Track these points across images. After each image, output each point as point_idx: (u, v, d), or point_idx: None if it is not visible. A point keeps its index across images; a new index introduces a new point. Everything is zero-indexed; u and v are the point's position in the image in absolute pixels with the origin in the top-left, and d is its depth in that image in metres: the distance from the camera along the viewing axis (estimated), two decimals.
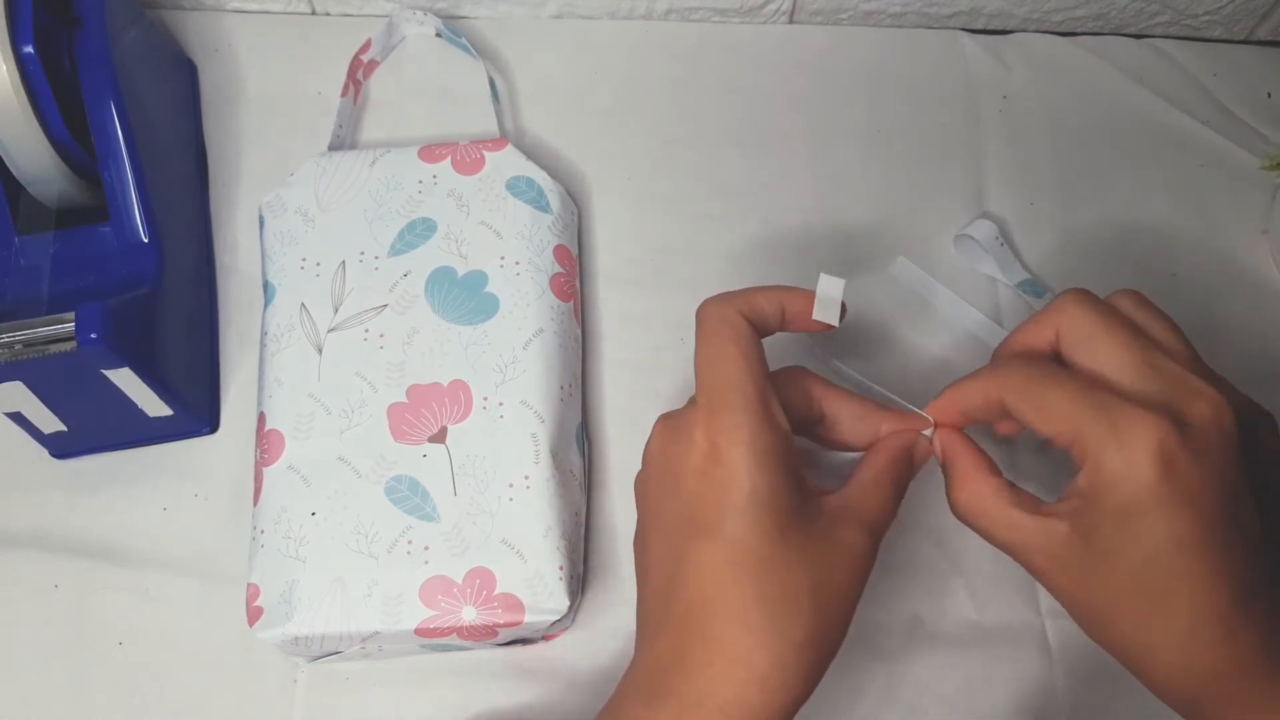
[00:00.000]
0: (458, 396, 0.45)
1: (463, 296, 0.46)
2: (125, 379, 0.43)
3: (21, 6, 0.43)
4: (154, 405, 0.46)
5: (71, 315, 0.41)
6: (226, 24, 0.57)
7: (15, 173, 0.45)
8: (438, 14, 0.56)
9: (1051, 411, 0.33)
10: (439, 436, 0.44)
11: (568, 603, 0.42)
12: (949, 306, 0.52)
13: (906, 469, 0.37)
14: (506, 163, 0.49)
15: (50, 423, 0.45)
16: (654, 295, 0.52)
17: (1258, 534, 0.32)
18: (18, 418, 0.44)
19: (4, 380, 0.41)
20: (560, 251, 0.49)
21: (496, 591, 0.42)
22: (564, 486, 0.44)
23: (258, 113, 0.55)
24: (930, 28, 0.60)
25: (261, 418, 0.45)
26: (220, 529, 0.47)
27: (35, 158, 0.45)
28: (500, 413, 0.44)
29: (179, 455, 0.49)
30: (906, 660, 0.46)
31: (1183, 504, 0.31)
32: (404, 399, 0.45)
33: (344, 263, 0.47)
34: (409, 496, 0.43)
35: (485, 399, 0.45)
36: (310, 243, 0.48)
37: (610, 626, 0.46)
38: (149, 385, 0.44)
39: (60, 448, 0.48)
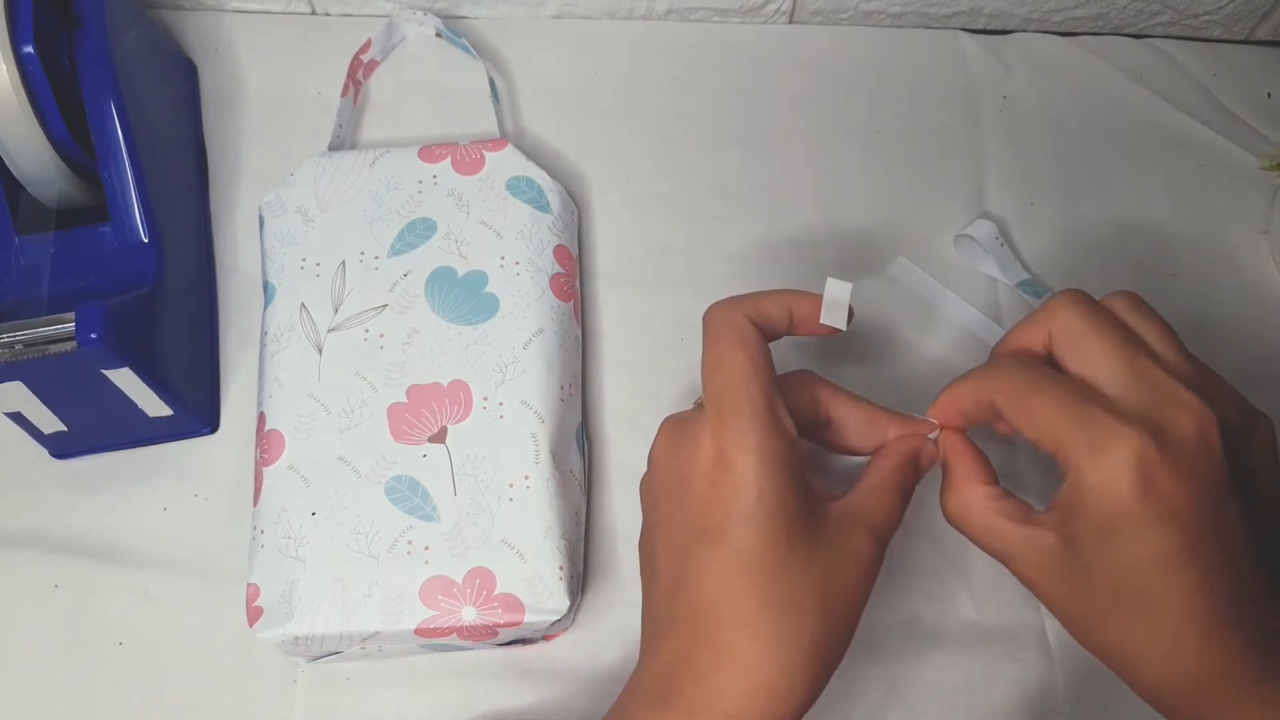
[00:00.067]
0: (458, 396, 0.45)
1: (463, 296, 0.46)
2: (125, 379, 0.43)
3: (21, 6, 0.43)
4: (154, 405, 0.46)
5: (71, 315, 0.41)
6: (226, 24, 0.57)
7: (15, 173, 0.45)
8: (438, 14, 0.56)
9: (1037, 419, 0.33)
10: (439, 436, 0.44)
11: (568, 603, 0.42)
12: (949, 306, 0.53)
13: (913, 474, 0.37)
14: (506, 163, 0.49)
15: (50, 423, 0.45)
16: (654, 295, 0.52)
17: (1246, 544, 0.32)
18: (18, 418, 0.44)
19: (4, 380, 0.41)
20: (560, 251, 0.49)
21: (496, 591, 0.42)
22: (564, 486, 0.44)
23: (258, 113, 0.55)
24: (930, 28, 0.60)
25: (261, 418, 0.45)
26: (220, 529, 0.47)
27: (35, 158, 0.45)
28: (500, 413, 0.44)
29: (179, 455, 0.49)
30: (906, 660, 0.46)
31: (1164, 519, 0.31)
32: (404, 399, 0.45)
33: (344, 263, 0.47)
34: (409, 496, 0.43)
35: (485, 399, 0.45)
36: (310, 243, 0.48)
37: (610, 626, 0.46)
38: (149, 385, 0.44)
39: (60, 448, 0.48)
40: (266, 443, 0.45)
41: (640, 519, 0.38)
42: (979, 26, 0.60)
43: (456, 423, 0.44)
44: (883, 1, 0.58)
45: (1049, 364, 0.35)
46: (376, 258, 0.47)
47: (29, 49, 0.43)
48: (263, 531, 0.43)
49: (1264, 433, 0.35)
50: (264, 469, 0.44)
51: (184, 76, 0.55)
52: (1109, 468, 0.31)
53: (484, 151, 0.50)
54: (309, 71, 0.56)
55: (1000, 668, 0.46)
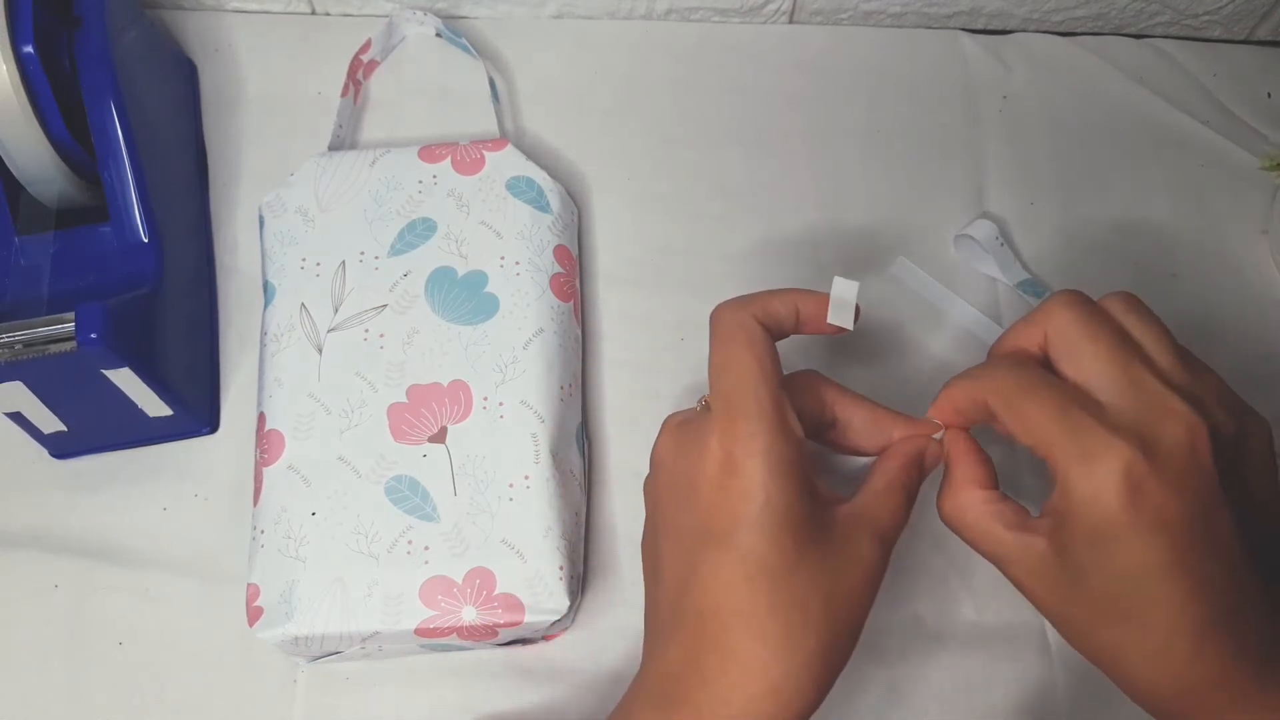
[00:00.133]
0: (458, 396, 0.45)
1: (463, 296, 0.46)
2: (125, 379, 0.43)
3: (21, 6, 0.43)
4: (154, 405, 0.46)
5: (71, 315, 0.41)
6: (226, 24, 0.57)
7: (15, 173, 0.45)
8: (438, 14, 0.56)
9: (1029, 424, 0.33)
10: (439, 436, 0.44)
11: (568, 603, 0.42)
12: (949, 307, 0.53)
13: (917, 475, 0.37)
14: (506, 163, 0.49)
15: (50, 423, 0.45)
16: (654, 295, 0.52)
17: (1239, 552, 0.32)
18: (18, 418, 0.44)
19: (4, 380, 0.41)
20: (560, 251, 0.49)
21: (496, 591, 0.42)
22: (564, 486, 0.44)
23: (258, 113, 0.55)
24: (930, 28, 0.60)
25: (261, 418, 0.45)
26: (220, 529, 0.47)
27: (35, 158, 0.45)
28: (500, 413, 0.44)
29: (179, 455, 0.49)
30: (907, 660, 0.46)
31: (1153, 530, 0.31)
32: (404, 399, 0.45)
33: (344, 263, 0.47)
34: (409, 496, 0.43)
35: (485, 399, 0.45)
36: (310, 243, 0.48)
37: (610, 626, 0.46)
38: (149, 385, 0.44)
39: (60, 448, 0.48)
40: (266, 443, 0.45)
41: (641, 519, 0.38)
42: (979, 26, 0.60)
43: (456, 423, 0.44)
44: (883, 1, 0.58)
45: (1045, 365, 0.35)
46: (376, 258, 0.47)
47: (29, 49, 0.43)
48: (263, 531, 0.43)
49: (1259, 436, 0.35)
50: (264, 469, 0.44)
51: (184, 76, 0.55)
52: (1098, 478, 0.31)
53: (484, 151, 0.50)
54: (309, 71, 0.56)
55: (1000, 668, 0.46)
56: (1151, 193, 0.56)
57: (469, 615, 0.41)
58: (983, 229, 0.52)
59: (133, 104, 0.46)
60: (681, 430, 0.36)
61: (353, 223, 0.48)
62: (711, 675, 0.33)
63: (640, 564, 0.38)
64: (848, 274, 0.38)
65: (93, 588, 0.46)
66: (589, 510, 0.47)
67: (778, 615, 0.33)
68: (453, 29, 0.56)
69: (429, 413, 0.44)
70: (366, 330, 0.46)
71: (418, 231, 0.48)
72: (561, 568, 0.42)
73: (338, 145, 0.53)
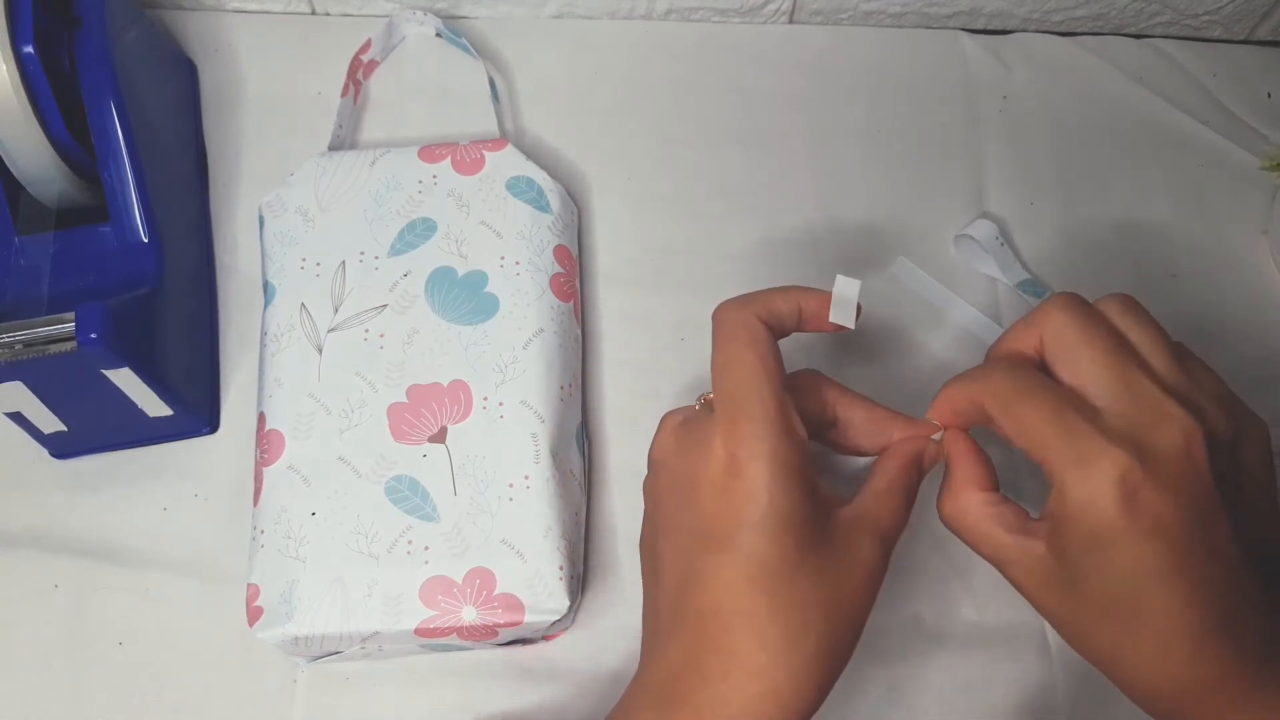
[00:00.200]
0: (458, 396, 0.45)
1: (463, 296, 0.46)
2: (125, 379, 0.43)
3: (21, 6, 0.43)
4: (154, 405, 0.46)
5: (71, 315, 0.41)
6: (226, 24, 0.57)
7: (15, 173, 0.45)
8: (438, 14, 0.56)
9: (1024, 427, 0.33)
10: (439, 436, 0.44)
11: (568, 603, 0.42)
12: (949, 306, 0.53)
13: (917, 475, 0.37)
14: (506, 163, 0.49)
15: (50, 423, 0.45)
16: (654, 295, 0.52)
17: (1237, 554, 0.32)
18: (18, 418, 0.44)
19: (4, 380, 0.41)
20: (560, 251, 0.49)
21: (496, 591, 0.42)
22: (564, 486, 0.44)
23: (258, 113, 0.55)
24: (930, 28, 0.60)
25: (261, 418, 0.45)
26: (220, 529, 0.47)
27: (35, 158, 0.45)
28: (500, 413, 0.44)
29: (179, 455, 0.49)
30: (907, 660, 0.46)
31: (1148, 536, 0.31)
32: (404, 399, 0.45)
33: (344, 263, 0.47)
34: (409, 496, 0.43)
35: (485, 399, 0.45)
36: (310, 243, 0.48)
37: (610, 626, 0.46)
38: (149, 385, 0.44)
39: (60, 448, 0.48)
40: (266, 443, 0.45)
41: (641, 519, 0.38)
42: (979, 26, 0.60)
43: (456, 423, 0.44)
44: (883, 1, 0.58)
45: (1041, 368, 0.35)
46: (376, 258, 0.47)
47: (29, 49, 0.43)
48: (263, 531, 0.43)
49: (1257, 439, 0.35)
50: (264, 469, 0.44)
51: (184, 76, 0.55)
52: (1093, 484, 0.31)
53: (484, 151, 0.50)
54: (309, 71, 0.56)
55: (1000, 668, 0.46)
56: (1151, 193, 0.56)
57: (469, 615, 0.41)
58: (983, 229, 0.52)
59: (133, 104, 0.46)
60: (682, 430, 0.36)
61: (353, 223, 0.48)
62: (712, 676, 0.33)
63: (639, 564, 0.38)
64: (848, 274, 0.38)
65: (93, 588, 0.46)
66: (589, 510, 0.47)
67: (779, 617, 0.33)
68: (453, 29, 0.56)
69: (429, 413, 0.44)
70: (366, 330, 0.46)
71: (418, 231, 0.48)
72: (561, 568, 0.42)
73: (338, 145, 0.53)
